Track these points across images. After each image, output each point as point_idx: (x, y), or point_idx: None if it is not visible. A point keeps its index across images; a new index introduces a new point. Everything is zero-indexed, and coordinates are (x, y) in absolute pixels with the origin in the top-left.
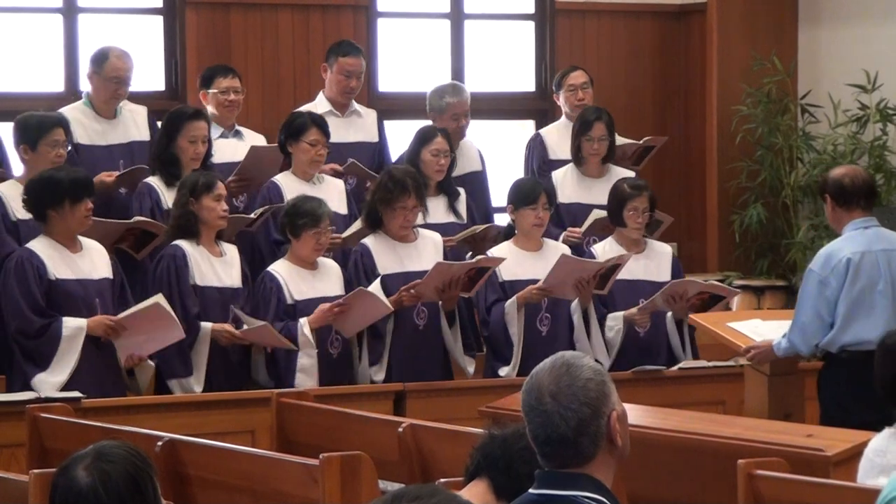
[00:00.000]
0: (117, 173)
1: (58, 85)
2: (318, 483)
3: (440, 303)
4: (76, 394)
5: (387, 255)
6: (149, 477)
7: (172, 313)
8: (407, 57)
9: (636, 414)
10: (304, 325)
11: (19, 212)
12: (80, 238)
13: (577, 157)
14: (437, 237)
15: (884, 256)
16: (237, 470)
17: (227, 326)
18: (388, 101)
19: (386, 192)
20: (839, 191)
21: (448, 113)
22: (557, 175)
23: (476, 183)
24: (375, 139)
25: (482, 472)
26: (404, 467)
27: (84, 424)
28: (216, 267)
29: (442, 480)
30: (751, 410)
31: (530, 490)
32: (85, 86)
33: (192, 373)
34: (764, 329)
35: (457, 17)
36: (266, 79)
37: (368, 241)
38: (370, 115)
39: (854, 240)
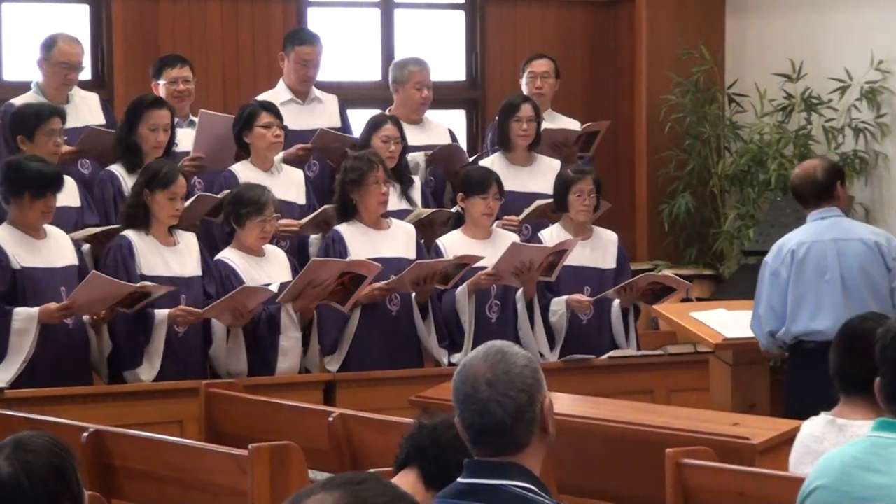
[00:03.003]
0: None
1: None
2: (247, 473)
3: (413, 294)
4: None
5: (360, 242)
6: (71, 466)
7: (112, 278)
8: (337, 46)
9: (566, 403)
10: (287, 306)
11: None
12: (45, 225)
13: (506, 143)
14: (410, 228)
15: (833, 246)
16: (165, 461)
17: (184, 306)
18: (320, 90)
19: (355, 171)
20: (793, 191)
21: (412, 81)
22: (485, 164)
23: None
24: (338, 124)
25: (412, 461)
26: (334, 457)
27: (8, 415)
28: (166, 256)
29: (372, 470)
30: (715, 401)
31: (459, 479)
32: (16, 75)
33: (140, 363)
34: (728, 319)
35: (387, 6)
36: (194, 68)
37: (341, 227)
38: (332, 101)
39: (805, 230)
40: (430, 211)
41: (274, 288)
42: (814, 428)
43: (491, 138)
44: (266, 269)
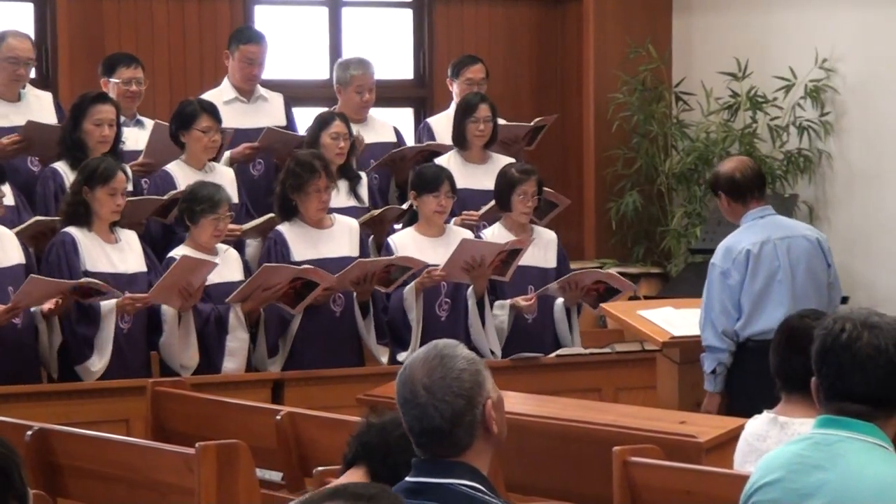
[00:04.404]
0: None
1: None
2: (195, 472)
3: (354, 294)
4: None
5: (302, 242)
6: (15, 464)
7: (51, 279)
8: (284, 44)
9: (514, 401)
10: (236, 307)
11: None
12: None
13: (461, 141)
14: (353, 223)
15: (783, 245)
16: (111, 459)
17: (130, 294)
18: (267, 89)
19: (295, 177)
20: (732, 186)
21: (353, 85)
22: (441, 162)
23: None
24: (284, 122)
25: (360, 460)
26: (282, 455)
27: None
28: (109, 253)
29: (319, 469)
30: (662, 399)
31: (406, 478)
32: None
33: (89, 356)
34: (675, 317)
35: (334, 4)
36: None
37: (283, 228)
38: (277, 100)
39: (752, 230)
40: (380, 210)
41: (216, 261)
42: (757, 426)
43: (417, 135)
44: (219, 270)
